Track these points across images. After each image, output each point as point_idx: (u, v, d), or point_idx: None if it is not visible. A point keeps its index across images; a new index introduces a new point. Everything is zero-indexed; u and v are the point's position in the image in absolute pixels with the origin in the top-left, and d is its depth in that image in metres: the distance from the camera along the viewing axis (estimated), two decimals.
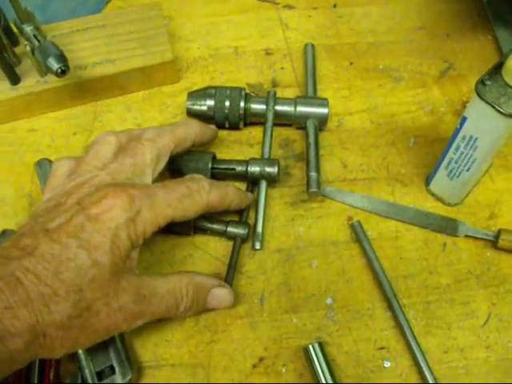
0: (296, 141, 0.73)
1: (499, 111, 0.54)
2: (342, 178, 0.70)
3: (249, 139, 0.73)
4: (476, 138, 0.58)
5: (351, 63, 0.80)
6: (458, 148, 0.61)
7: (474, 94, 0.55)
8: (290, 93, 0.77)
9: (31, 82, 0.72)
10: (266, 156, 0.67)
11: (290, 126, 0.73)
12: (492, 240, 0.66)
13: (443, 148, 0.66)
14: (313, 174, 0.66)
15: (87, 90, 0.74)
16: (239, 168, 0.66)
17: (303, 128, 0.72)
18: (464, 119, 0.58)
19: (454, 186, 0.66)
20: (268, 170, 0.65)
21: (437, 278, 0.65)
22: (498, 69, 0.55)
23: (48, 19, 0.81)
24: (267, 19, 0.84)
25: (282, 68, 0.79)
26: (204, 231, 0.66)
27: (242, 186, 0.69)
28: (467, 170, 0.63)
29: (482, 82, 0.55)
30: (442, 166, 0.65)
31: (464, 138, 0.59)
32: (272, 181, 0.66)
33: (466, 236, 0.67)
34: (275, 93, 0.71)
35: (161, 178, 0.60)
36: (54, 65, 0.65)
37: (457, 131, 0.60)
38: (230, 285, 0.62)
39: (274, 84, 0.77)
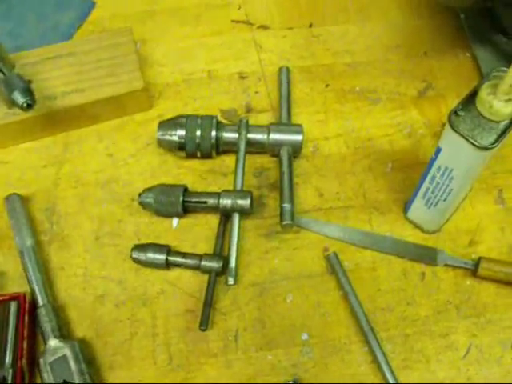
0: (270, 169, 0.71)
1: (473, 144, 0.52)
2: (317, 207, 0.69)
3: (222, 168, 0.71)
4: (451, 169, 0.57)
5: (327, 85, 0.78)
6: (433, 178, 0.60)
7: (447, 126, 0.54)
8: (264, 118, 0.75)
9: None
10: (239, 187, 0.66)
11: (263, 153, 0.71)
12: (472, 268, 0.65)
13: (421, 173, 0.64)
14: (286, 206, 0.64)
15: (57, 120, 0.72)
16: (211, 201, 0.65)
17: (277, 155, 0.70)
18: (439, 150, 0.57)
19: (431, 215, 0.64)
20: (240, 202, 0.64)
21: (415, 309, 0.64)
22: (471, 98, 0.54)
23: (19, 45, 0.79)
24: (241, 40, 0.83)
25: (257, 92, 0.77)
26: (177, 265, 0.64)
27: (216, 218, 0.67)
28: (444, 200, 0.61)
29: (455, 112, 0.53)
30: (419, 195, 0.63)
31: (439, 168, 0.58)
32: (245, 213, 0.65)
33: (446, 265, 0.66)
34: (247, 121, 0.69)
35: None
36: (20, 99, 0.64)
37: (432, 161, 0.59)
38: (207, 322, 0.60)
39: (248, 109, 0.76)
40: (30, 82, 0.71)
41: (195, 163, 0.71)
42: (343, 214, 0.68)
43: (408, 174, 0.71)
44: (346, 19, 0.85)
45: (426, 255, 0.66)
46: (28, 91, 0.64)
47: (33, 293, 0.62)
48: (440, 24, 0.85)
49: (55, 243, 0.67)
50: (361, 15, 0.86)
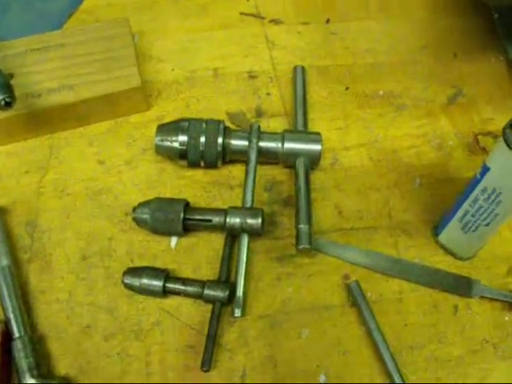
0: (283, 182, 0.63)
1: None
2: (336, 228, 0.60)
3: (228, 180, 0.63)
4: (500, 193, 0.49)
5: (347, 88, 0.70)
6: (476, 200, 0.51)
7: (501, 142, 0.46)
8: (276, 123, 0.67)
9: None
10: (249, 203, 0.57)
11: (276, 163, 0.62)
12: (511, 301, 0.56)
13: (453, 190, 0.59)
14: (303, 227, 0.56)
15: (41, 120, 0.64)
16: (216, 219, 0.56)
17: (292, 167, 0.62)
18: (486, 169, 0.49)
19: (468, 240, 0.56)
20: (250, 222, 0.56)
21: (448, 348, 0.56)
22: None
23: (2, 34, 0.70)
24: (251, 36, 0.74)
25: (268, 94, 0.69)
26: (176, 293, 0.55)
27: (220, 237, 0.58)
28: (486, 225, 0.53)
29: (510, 126, 0.45)
30: (456, 218, 0.55)
31: (485, 190, 0.50)
32: (255, 234, 0.56)
33: (482, 297, 0.58)
34: (259, 127, 0.61)
35: None
36: None
37: (476, 181, 0.50)
38: (210, 362, 0.51)
39: (259, 113, 0.67)
40: (11, 76, 0.63)
41: (198, 173, 0.63)
42: (366, 235, 0.60)
43: (438, 190, 0.63)
44: (366, 15, 0.77)
45: (460, 286, 0.58)
46: (7, 87, 0.56)
47: (7, 322, 0.54)
48: (471, 23, 0.77)
49: (36, 263, 0.58)
50: (383, 11, 0.78)
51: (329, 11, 0.77)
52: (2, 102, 0.55)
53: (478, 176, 0.51)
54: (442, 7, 0.78)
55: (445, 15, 0.78)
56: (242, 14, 0.76)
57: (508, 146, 0.45)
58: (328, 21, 0.76)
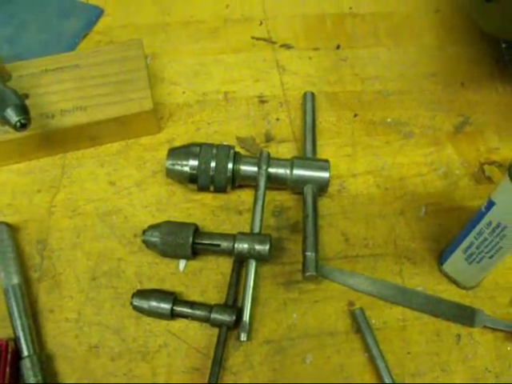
0: (291, 208, 0.64)
1: None
2: (342, 255, 0.61)
3: (237, 205, 0.63)
4: (505, 227, 0.50)
5: (355, 115, 0.71)
6: (481, 233, 0.52)
7: (506, 178, 0.46)
8: (285, 149, 0.68)
9: None
10: (257, 229, 0.58)
11: (284, 189, 0.63)
12: None
13: (458, 219, 0.60)
14: (309, 255, 0.57)
15: (54, 140, 0.65)
16: (225, 244, 0.57)
17: (300, 193, 0.62)
18: (491, 204, 0.49)
19: (472, 271, 0.57)
20: (258, 248, 0.56)
21: (450, 376, 0.57)
22: None
23: (18, 53, 0.72)
24: (262, 60, 0.75)
25: (278, 119, 0.70)
26: (184, 317, 0.56)
27: (228, 262, 0.59)
28: (490, 257, 0.54)
29: None
30: (460, 249, 0.56)
31: (490, 224, 0.50)
32: (262, 259, 0.57)
33: (484, 327, 0.58)
34: (269, 154, 0.62)
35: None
36: (13, 117, 0.56)
37: (481, 214, 0.51)
38: None
39: (268, 138, 0.68)
40: (26, 96, 0.64)
41: (207, 197, 0.64)
42: (371, 263, 0.61)
43: (444, 219, 0.64)
44: (376, 42, 0.78)
45: (463, 315, 0.59)
46: (23, 109, 0.57)
47: (17, 340, 0.55)
48: (479, 52, 0.78)
49: (46, 282, 0.59)
50: (392, 38, 0.79)
51: (339, 37, 0.78)
52: (18, 124, 0.56)
53: (484, 209, 0.51)
54: (451, 36, 0.79)
55: (453, 44, 0.79)
56: (253, 38, 0.77)
57: None
58: (338, 47, 0.77)
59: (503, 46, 0.76)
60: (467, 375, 0.57)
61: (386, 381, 0.54)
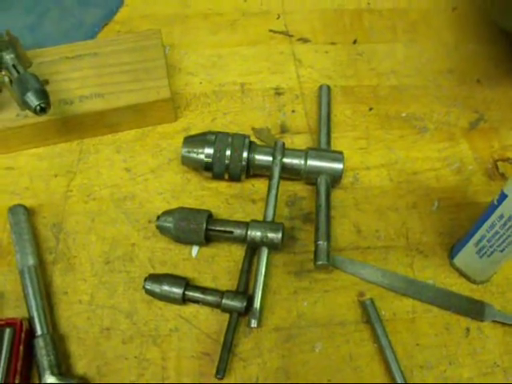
0: (305, 198, 0.64)
1: None
2: (354, 246, 0.61)
3: (251, 194, 0.64)
4: None
5: (371, 109, 0.71)
6: (492, 226, 0.52)
7: None
8: (300, 140, 0.68)
9: (11, 115, 0.64)
10: (270, 218, 0.59)
11: (298, 180, 0.64)
12: None
13: (470, 214, 0.60)
14: (321, 244, 0.57)
15: (72, 126, 0.66)
16: (238, 231, 0.58)
17: (313, 183, 0.63)
18: (503, 196, 0.49)
19: (483, 265, 0.57)
20: (270, 236, 0.57)
21: (458, 369, 0.57)
22: None
23: (38, 42, 0.73)
24: (279, 53, 0.76)
25: (293, 111, 0.70)
26: (195, 302, 0.56)
27: (240, 249, 0.60)
28: (501, 251, 0.54)
29: None
30: (472, 242, 0.56)
31: (502, 216, 0.51)
32: (275, 248, 0.57)
33: (494, 321, 0.58)
34: (283, 144, 0.62)
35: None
36: (33, 101, 0.57)
37: (493, 207, 0.51)
38: (224, 370, 0.53)
39: (283, 129, 0.69)
40: (46, 82, 0.64)
41: (221, 185, 0.64)
42: (382, 255, 0.61)
43: (456, 214, 0.64)
44: (393, 37, 0.78)
45: (473, 309, 0.59)
46: (43, 93, 0.58)
47: (31, 320, 0.56)
48: (496, 50, 0.78)
49: (60, 264, 0.60)
50: (409, 34, 0.79)
51: (356, 32, 0.79)
52: (38, 108, 0.57)
53: (496, 202, 0.51)
54: (468, 33, 0.80)
55: (471, 41, 0.79)
56: (271, 31, 0.78)
57: None
58: (355, 42, 0.78)
59: None
60: (475, 369, 0.57)
61: (395, 372, 0.55)
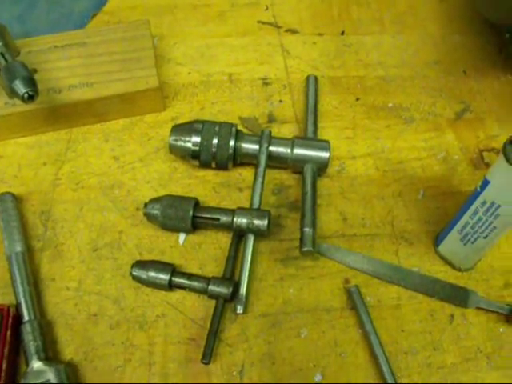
0: (291, 186, 0.65)
1: None
2: (340, 233, 0.62)
3: (238, 182, 0.64)
4: (498, 206, 0.50)
5: (357, 99, 0.72)
6: (475, 213, 0.53)
7: (501, 157, 0.47)
8: (287, 130, 0.69)
9: None
10: (256, 205, 0.59)
11: (285, 168, 0.64)
12: (506, 314, 0.58)
13: (456, 203, 0.60)
14: (307, 230, 0.58)
15: (61, 115, 0.66)
16: (224, 218, 0.58)
17: (300, 172, 0.63)
18: (486, 183, 0.50)
19: (466, 252, 0.58)
20: (256, 222, 0.57)
21: (442, 355, 0.57)
22: None
23: (27, 32, 0.74)
24: (267, 44, 0.76)
25: (281, 101, 0.71)
26: (181, 288, 0.57)
27: (227, 236, 0.60)
28: (484, 238, 0.54)
29: (510, 142, 0.46)
30: (455, 229, 0.57)
31: (484, 203, 0.51)
32: (260, 235, 0.58)
33: (478, 308, 0.59)
34: (270, 132, 0.62)
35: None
36: (21, 89, 0.58)
37: (476, 194, 0.52)
38: (210, 355, 0.53)
39: (271, 119, 0.69)
40: (34, 71, 0.65)
41: (209, 174, 0.65)
42: (368, 242, 0.62)
43: (441, 202, 0.65)
44: (380, 29, 0.79)
45: (457, 296, 0.59)
46: (31, 81, 0.58)
47: (18, 306, 0.56)
48: (482, 41, 0.78)
49: (48, 251, 0.60)
50: (397, 26, 0.80)
51: (344, 23, 0.79)
52: (26, 95, 0.58)
53: (479, 189, 0.52)
54: (455, 24, 0.80)
55: (457, 32, 0.80)
56: (259, 22, 0.79)
57: (508, 161, 0.47)
58: (343, 33, 0.78)
59: (506, 35, 0.77)
60: (459, 355, 0.57)
61: (379, 357, 0.55)
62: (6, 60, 0.60)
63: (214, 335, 0.54)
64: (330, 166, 0.65)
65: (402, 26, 0.80)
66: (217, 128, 0.62)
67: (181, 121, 0.68)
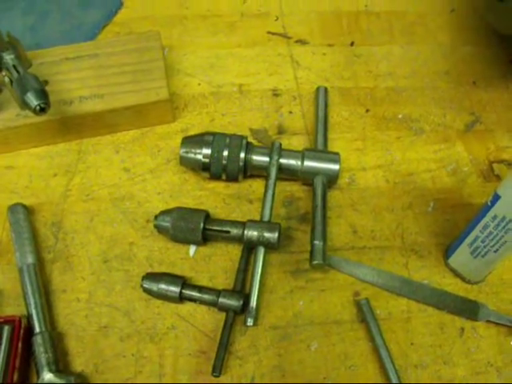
0: (301, 199, 0.65)
1: None
2: (350, 246, 0.62)
3: (248, 194, 0.65)
4: (510, 220, 0.50)
5: (367, 110, 0.72)
6: (486, 227, 0.53)
7: (511, 172, 0.47)
8: (297, 141, 0.69)
9: (11, 115, 0.65)
10: (266, 218, 0.59)
11: (295, 180, 0.65)
12: None
13: (466, 215, 0.60)
14: (317, 244, 0.58)
15: (72, 126, 0.66)
16: (235, 231, 0.58)
17: (310, 184, 0.63)
18: (496, 197, 0.50)
19: (477, 265, 0.58)
20: (267, 235, 0.57)
21: (452, 368, 0.57)
22: None
23: (38, 43, 0.74)
24: (277, 55, 0.77)
25: (291, 112, 0.71)
26: (192, 300, 0.57)
27: (237, 249, 0.60)
28: (495, 252, 0.54)
29: None
30: (466, 243, 0.56)
31: (495, 217, 0.51)
32: (271, 247, 0.58)
33: (488, 321, 0.59)
34: (280, 145, 0.63)
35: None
36: (33, 101, 0.58)
37: (487, 208, 0.52)
38: (220, 368, 0.53)
39: (281, 130, 0.69)
40: (46, 82, 0.65)
41: (219, 186, 0.65)
42: (378, 255, 0.62)
43: (451, 215, 0.65)
44: (390, 39, 0.79)
45: (467, 309, 0.59)
46: (43, 93, 0.58)
47: (29, 317, 0.56)
48: (492, 53, 0.78)
49: (59, 262, 0.61)
50: (406, 36, 0.80)
51: (354, 34, 0.79)
52: (38, 108, 0.58)
53: (489, 203, 0.52)
54: (465, 36, 0.80)
55: (467, 43, 0.80)
56: (269, 33, 0.79)
57: None
58: (352, 44, 0.78)
59: None
60: (469, 368, 0.57)
61: (389, 370, 0.55)
62: (18, 72, 0.61)
63: (224, 348, 0.54)
64: (340, 178, 0.65)
65: (411, 36, 0.80)
66: (227, 140, 0.62)
67: (191, 132, 0.68)
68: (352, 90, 0.74)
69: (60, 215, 0.63)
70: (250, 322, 0.56)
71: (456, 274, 0.61)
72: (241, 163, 0.62)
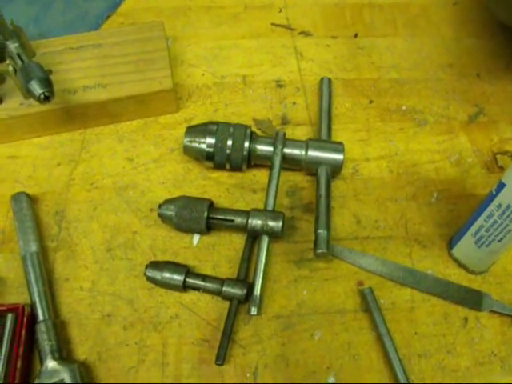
0: (305, 188, 0.65)
1: None
2: (354, 236, 0.62)
3: (252, 184, 0.65)
4: None
5: (371, 101, 0.72)
6: (490, 216, 0.53)
7: None
8: (301, 132, 0.69)
9: (14, 105, 0.65)
10: (270, 207, 0.59)
11: (299, 170, 0.64)
12: None
13: (469, 206, 0.60)
14: (321, 233, 0.58)
15: (75, 116, 0.66)
16: (238, 220, 0.58)
17: (314, 174, 0.63)
18: (502, 185, 0.50)
19: (481, 255, 0.58)
20: (271, 224, 0.57)
21: (455, 358, 0.57)
22: None
23: (42, 32, 0.74)
24: (281, 46, 0.76)
25: (294, 103, 0.71)
26: (195, 289, 0.57)
27: (241, 238, 0.60)
28: (499, 241, 0.54)
29: None
30: (470, 232, 0.56)
31: (500, 206, 0.51)
32: (275, 236, 0.58)
33: (491, 311, 0.59)
34: (284, 135, 0.63)
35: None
36: (37, 90, 0.58)
37: (491, 197, 0.52)
38: (224, 357, 0.53)
39: (284, 121, 0.69)
40: (50, 72, 0.65)
41: (223, 175, 0.65)
42: (382, 245, 0.62)
43: (455, 205, 0.65)
44: (393, 31, 0.79)
45: (470, 299, 0.59)
46: (47, 82, 0.58)
47: (33, 305, 0.56)
48: (496, 45, 0.78)
49: (62, 251, 0.60)
50: (410, 28, 0.80)
51: (357, 26, 0.79)
52: (42, 96, 0.58)
53: (494, 192, 0.52)
54: (468, 28, 0.80)
55: (470, 35, 0.80)
56: (273, 24, 0.79)
57: None
58: (356, 35, 0.78)
59: None
60: (472, 358, 0.57)
61: (393, 360, 0.55)
62: (22, 61, 0.60)
63: (227, 336, 0.54)
64: (344, 168, 0.65)
65: (415, 28, 0.80)
66: (231, 129, 0.62)
67: (194, 122, 0.68)
68: (355, 82, 0.74)
69: (63, 204, 0.63)
70: (253, 311, 0.56)
71: (460, 264, 0.61)
72: (245, 152, 0.62)
